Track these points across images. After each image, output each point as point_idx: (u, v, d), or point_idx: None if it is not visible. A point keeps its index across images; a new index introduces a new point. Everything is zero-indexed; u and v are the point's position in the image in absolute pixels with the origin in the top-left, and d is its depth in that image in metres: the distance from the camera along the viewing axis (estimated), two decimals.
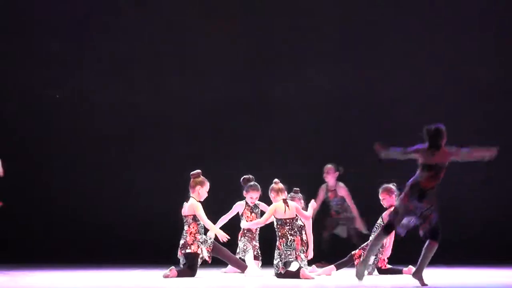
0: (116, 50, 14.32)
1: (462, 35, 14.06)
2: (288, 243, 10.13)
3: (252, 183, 11.32)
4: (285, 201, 10.26)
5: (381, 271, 10.74)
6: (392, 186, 10.86)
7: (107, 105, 14.31)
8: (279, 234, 10.18)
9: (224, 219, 11.21)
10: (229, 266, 11.12)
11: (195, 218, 10.39)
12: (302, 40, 14.31)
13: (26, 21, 14.32)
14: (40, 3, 14.39)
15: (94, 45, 14.36)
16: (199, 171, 10.55)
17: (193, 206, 10.38)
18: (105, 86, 14.32)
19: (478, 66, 13.92)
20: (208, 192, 10.57)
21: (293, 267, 10.04)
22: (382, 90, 14.09)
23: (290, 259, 10.06)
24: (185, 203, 10.51)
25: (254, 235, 11.29)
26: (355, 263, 10.63)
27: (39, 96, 14.29)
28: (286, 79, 14.26)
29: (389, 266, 10.82)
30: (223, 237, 10.39)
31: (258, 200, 11.37)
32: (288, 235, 10.15)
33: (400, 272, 10.69)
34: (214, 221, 10.80)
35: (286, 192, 10.38)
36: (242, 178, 11.46)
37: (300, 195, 10.88)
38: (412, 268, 10.53)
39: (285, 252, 10.10)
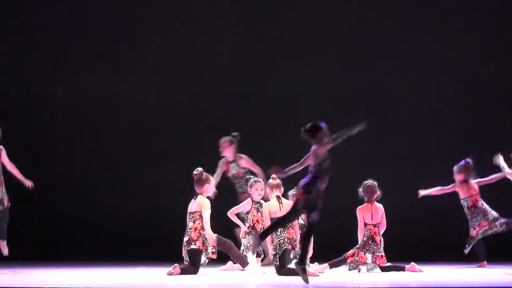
0: (116, 48, 14.35)
1: None
2: (278, 233, 10.04)
3: (254, 178, 11.41)
4: (278, 198, 10.27)
5: (383, 269, 10.74)
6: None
7: (108, 103, 14.33)
8: None
9: (234, 212, 11.31)
10: (228, 264, 11.23)
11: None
12: (301, 38, 14.33)
13: (30, 21, 14.38)
14: (41, 2, 14.44)
15: (96, 44, 14.41)
16: (200, 169, 10.54)
17: (201, 203, 10.36)
18: (105, 84, 14.35)
19: None
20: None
21: (293, 264, 10.04)
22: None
23: (284, 247, 10.03)
24: (192, 200, 10.49)
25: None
26: (348, 261, 10.73)
27: (43, 94, 14.32)
28: (287, 76, 14.29)
29: (390, 263, 10.81)
30: (213, 242, 10.38)
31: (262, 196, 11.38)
32: (278, 231, 10.13)
33: (402, 269, 10.67)
34: (221, 218, 10.94)
35: (282, 189, 10.40)
36: (245, 179, 11.52)
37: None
38: (414, 265, 10.56)
39: (278, 242, 10.07)
